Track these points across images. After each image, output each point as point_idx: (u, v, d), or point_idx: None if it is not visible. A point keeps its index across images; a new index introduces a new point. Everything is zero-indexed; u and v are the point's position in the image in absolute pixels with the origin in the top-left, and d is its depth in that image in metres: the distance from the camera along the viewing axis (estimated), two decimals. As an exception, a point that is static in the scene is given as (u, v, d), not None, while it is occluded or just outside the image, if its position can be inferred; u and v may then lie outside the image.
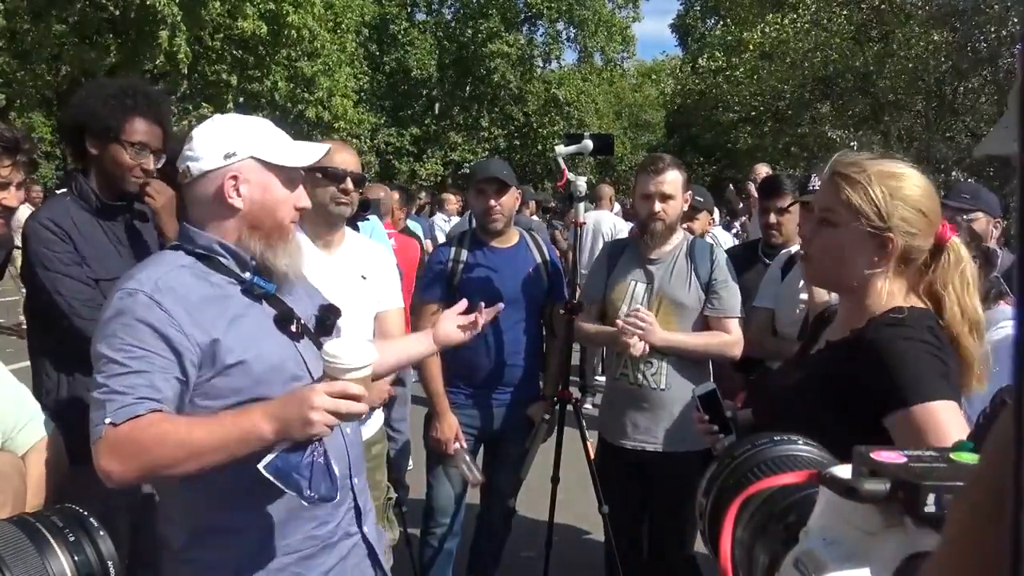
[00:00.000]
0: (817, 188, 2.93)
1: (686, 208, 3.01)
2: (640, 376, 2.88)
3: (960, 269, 1.55)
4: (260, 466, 1.40)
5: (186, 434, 1.42)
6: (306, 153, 1.65)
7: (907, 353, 1.44)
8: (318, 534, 1.63)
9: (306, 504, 1.47)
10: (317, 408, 1.38)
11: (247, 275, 1.60)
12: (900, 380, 1.43)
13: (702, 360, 2.94)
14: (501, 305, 2.11)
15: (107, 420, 1.40)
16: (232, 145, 1.58)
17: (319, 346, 1.64)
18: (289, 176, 1.64)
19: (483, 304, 2.05)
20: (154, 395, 1.43)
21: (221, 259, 1.60)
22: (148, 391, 1.42)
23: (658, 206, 2.87)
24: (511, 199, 3.11)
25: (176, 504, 1.61)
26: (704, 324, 2.91)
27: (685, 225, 3.83)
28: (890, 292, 1.54)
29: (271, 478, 1.41)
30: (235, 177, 1.57)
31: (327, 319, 1.74)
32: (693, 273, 2.89)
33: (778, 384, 1.86)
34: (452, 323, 2.06)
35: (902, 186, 1.50)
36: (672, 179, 2.88)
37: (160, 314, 1.46)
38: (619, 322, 2.80)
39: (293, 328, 1.63)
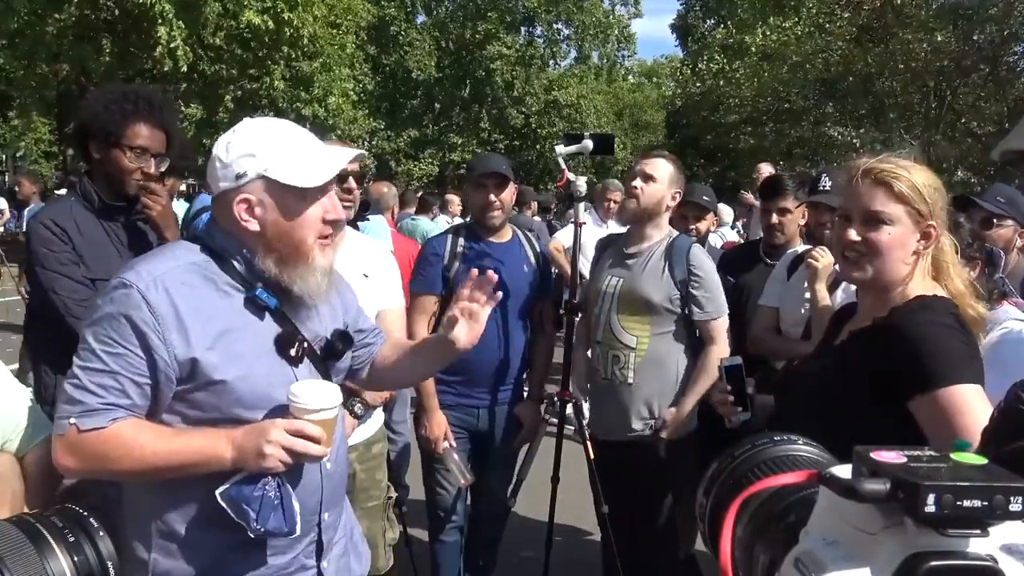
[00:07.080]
0: (828, 188, 2.92)
1: (672, 204, 2.96)
2: (609, 371, 2.90)
3: (949, 255, 1.62)
4: (217, 492, 1.42)
5: (147, 450, 1.42)
6: (323, 168, 1.51)
7: (935, 337, 1.48)
8: (274, 563, 1.57)
9: (251, 536, 1.44)
10: (273, 443, 1.39)
11: (257, 286, 1.52)
12: (927, 363, 1.46)
13: (669, 357, 2.88)
14: (499, 295, 1.80)
15: (72, 421, 1.41)
16: (243, 164, 1.49)
17: (324, 372, 1.62)
18: (310, 191, 1.51)
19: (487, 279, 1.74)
20: (121, 401, 1.42)
21: (235, 263, 1.53)
22: (117, 396, 1.42)
23: (637, 183, 2.86)
24: (510, 194, 3.10)
25: (142, 509, 1.55)
26: (687, 325, 2.87)
27: (693, 227, 3.81)
28: (916, 280, 1.59)
29: (224, 505, 1.42)
30: (246, 200, 1.49)
31: (337, 346, 1.65)
32: (667, 271, 2.83)
33: (800, 374, 1.86)
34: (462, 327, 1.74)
35: (932, 178, 1.58)
36: (658, 164, 2.88)
37: (147, 316, 1.42)
38: None
39: (292, 352, 1.55)
